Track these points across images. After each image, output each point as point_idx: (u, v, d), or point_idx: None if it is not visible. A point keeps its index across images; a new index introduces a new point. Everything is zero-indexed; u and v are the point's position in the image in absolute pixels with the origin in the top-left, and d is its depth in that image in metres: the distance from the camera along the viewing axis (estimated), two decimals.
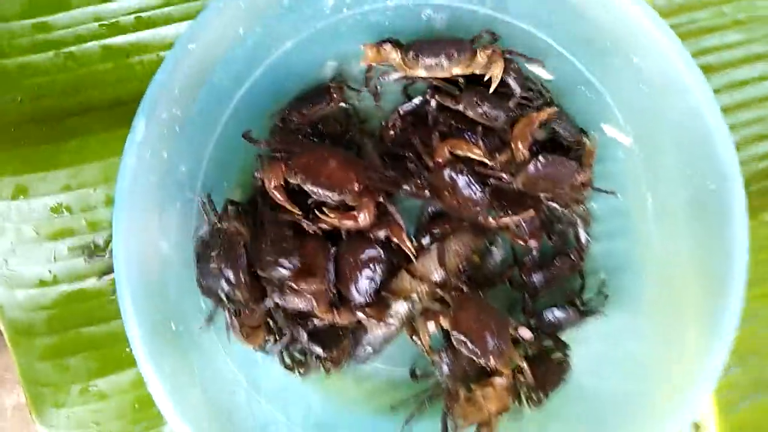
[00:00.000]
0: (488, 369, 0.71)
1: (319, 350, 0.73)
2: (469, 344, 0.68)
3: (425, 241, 0.75)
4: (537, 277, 0.76)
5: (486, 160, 0.70)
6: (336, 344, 0.74)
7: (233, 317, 0.68)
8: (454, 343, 0.69)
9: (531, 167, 0.69)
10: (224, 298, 0.66)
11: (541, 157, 0.69)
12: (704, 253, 0.67)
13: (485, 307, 0.71)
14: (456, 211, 0.73)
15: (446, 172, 0.71)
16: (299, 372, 0.75)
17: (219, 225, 0.65)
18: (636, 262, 0.74)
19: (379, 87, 0.74)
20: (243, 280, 0.66)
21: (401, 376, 0.79)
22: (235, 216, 0.66)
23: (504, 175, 0.71)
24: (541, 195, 0.73)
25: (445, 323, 0.70)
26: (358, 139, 0.76)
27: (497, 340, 0.69)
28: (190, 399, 0.63)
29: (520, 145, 0.70)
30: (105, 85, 0.79)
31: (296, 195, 0.70)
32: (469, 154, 0.70)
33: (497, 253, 0.79)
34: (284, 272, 0.65)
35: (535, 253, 0.77)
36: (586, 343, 0.76)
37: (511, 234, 0.76)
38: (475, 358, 0.69)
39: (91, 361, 0.77)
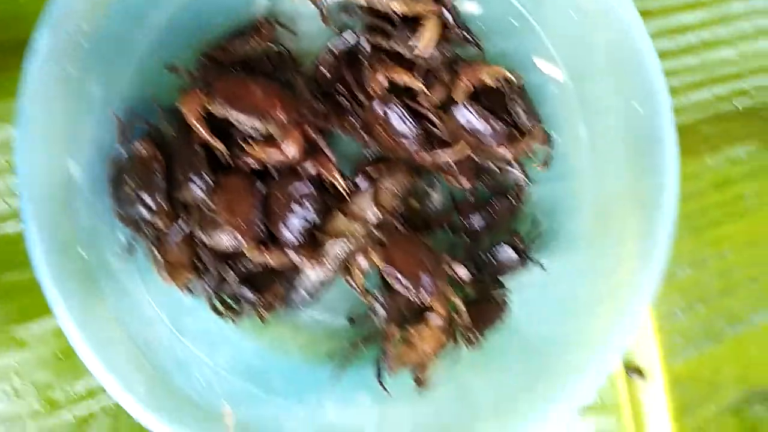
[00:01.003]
0: (423, 307, 0.69)
1: (249, 294, 0.70)
2: (401, 279, 0.67)
3: (359, 180, 0.73)
4: (476, 219, 0.75)
5: (423, 88, 0.68)
6: (269, 288, 0.71)
7: (155, 251, 0.65)
8: (386, 278, 0.67)
9: (459, 115, 0.68)
10: (143, 226, 0.63)
11: (472, 108, 0.67)
12: (637, 182, 0.66)
13: (419, 244, 0.69)
14: (390, 148, 0.71)
15: (378, 106, 0.69)
16: (231, 319, 0.72)
17: (135, 149, 0.63)
18: (573, 202, 0.72)
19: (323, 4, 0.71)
20: (162, 204, 0.63)
21: (340, 325, 0.76)
22: (152, 140, 0.64)
23: (432, 116, 0.69)
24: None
25: (377, 260, 0.68)
26: (290, 78, 0.74)
27: (431, 275, 0.67)
28: (102, 331, 0.60)
29: (465, 81, 0.68)
30: None
31: (223, 134, 0.68)
32: (406, 80, 0.68)
33: (436, 198, 0.78)
34: (197, 191, 0.63)
35: (468, 194, 0.75)
36: (523, 289, 0.74)
37: (444, 174, 0.74)
38: (407, 294, 0.67)
39: (10, 306, 0.74)
